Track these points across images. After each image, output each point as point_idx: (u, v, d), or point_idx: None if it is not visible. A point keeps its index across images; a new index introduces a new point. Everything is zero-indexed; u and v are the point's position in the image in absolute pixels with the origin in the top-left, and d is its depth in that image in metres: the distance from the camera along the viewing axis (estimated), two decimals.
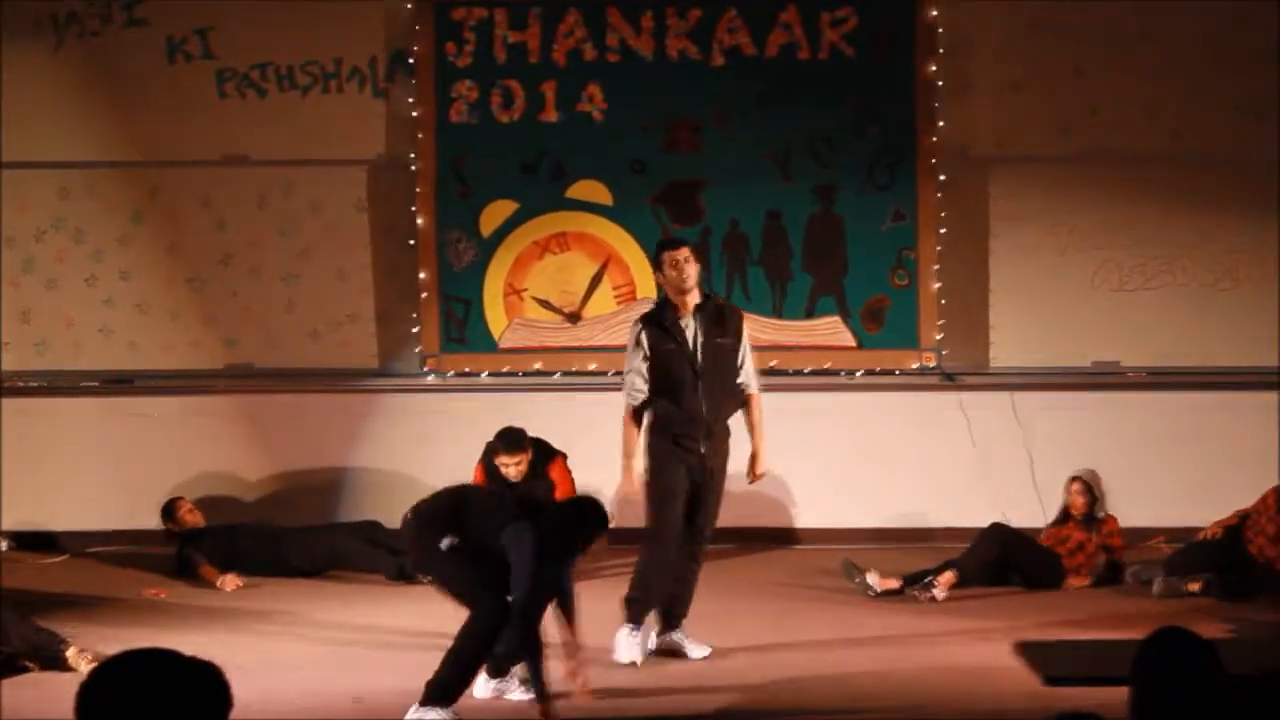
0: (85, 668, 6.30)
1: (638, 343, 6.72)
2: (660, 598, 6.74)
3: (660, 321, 6.72)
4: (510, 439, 8.10)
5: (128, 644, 2.89)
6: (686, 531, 6.76)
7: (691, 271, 6.68)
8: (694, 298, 6.71)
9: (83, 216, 9.49)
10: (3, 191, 9.38)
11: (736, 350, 6.78)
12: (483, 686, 6.06)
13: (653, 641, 6.76)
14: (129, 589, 8.25)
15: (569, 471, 8.37)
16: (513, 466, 8.03)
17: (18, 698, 6.18)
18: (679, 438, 6.69)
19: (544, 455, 8.30)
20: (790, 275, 9.49)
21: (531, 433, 8.21)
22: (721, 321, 6.75)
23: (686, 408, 6.66)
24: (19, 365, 9.47)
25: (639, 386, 6.72)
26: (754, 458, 6.92)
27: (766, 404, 9.69)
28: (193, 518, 8.81)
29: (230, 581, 8.25)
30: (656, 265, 6.85)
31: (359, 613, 7.66)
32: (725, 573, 8.69)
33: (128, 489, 9.34)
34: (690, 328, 6.68)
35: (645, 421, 6.78)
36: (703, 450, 6.69)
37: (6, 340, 9.46)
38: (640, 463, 6.78)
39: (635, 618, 6.65)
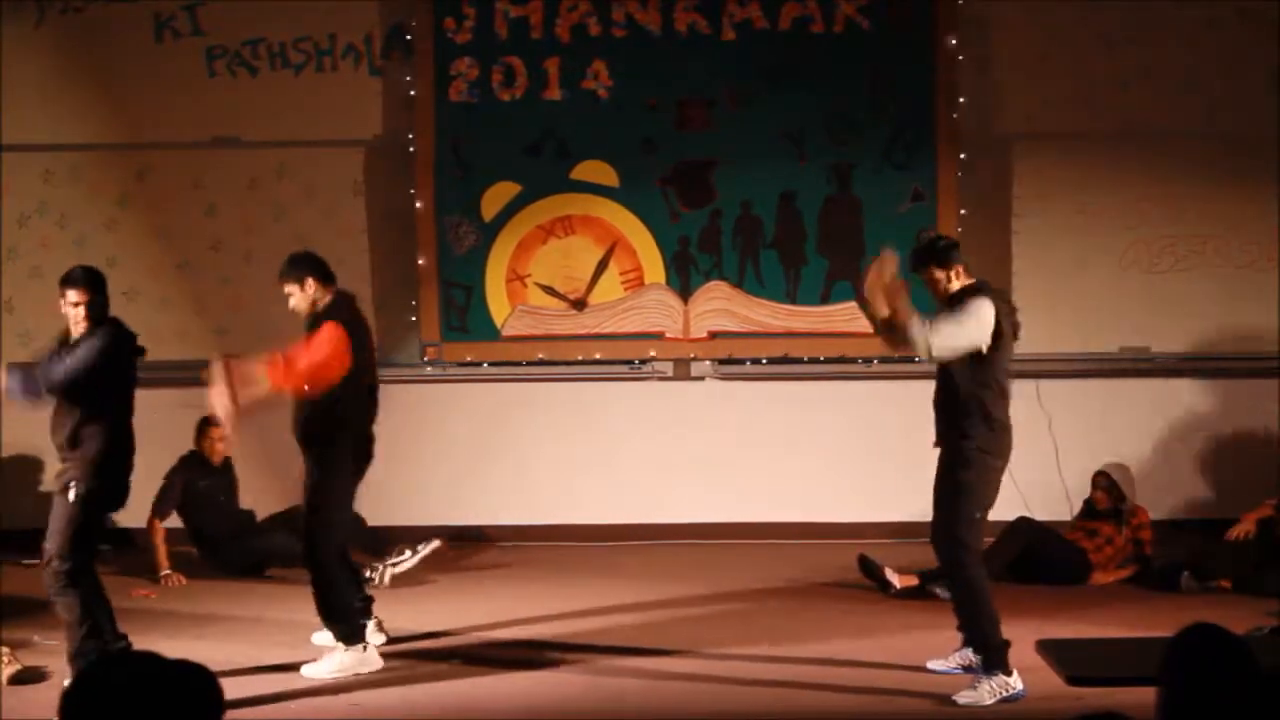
0: (5, 671, 6.36)
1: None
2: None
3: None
4: (287, 262, 6.92)
5: None
6: None
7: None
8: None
9: (67, 201, 9.52)
10: None
11: None
12: None
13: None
14: (118, 590, 8.18)
15: (338, 339, 6.76)
16: (290, 298, 6.92)
17: (18, 697, 6.27)
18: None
19: (328, 309, 6.88)
20: (805, 259, 9.49)
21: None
22: None
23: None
24: (3, 357, 9.47)
25: None
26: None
27: (778, 393, 9.72)
28: (223, 447, 8.84)
29: (175, 580, 8.49)
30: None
31: None
32: (736, 569, 8.71)
33: None
34: None
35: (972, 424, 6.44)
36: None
37: None
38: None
39: (1002, 662, 6.19)
